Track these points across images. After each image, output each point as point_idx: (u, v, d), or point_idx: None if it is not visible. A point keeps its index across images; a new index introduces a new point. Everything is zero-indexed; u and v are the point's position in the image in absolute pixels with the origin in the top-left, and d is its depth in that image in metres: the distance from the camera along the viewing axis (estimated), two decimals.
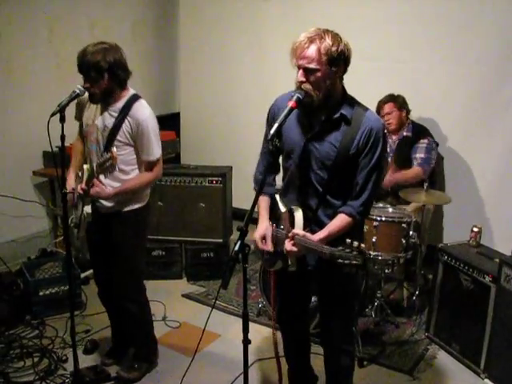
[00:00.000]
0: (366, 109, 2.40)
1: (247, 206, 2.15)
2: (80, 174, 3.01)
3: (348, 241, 2.10)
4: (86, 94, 2.83)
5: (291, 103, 2.25)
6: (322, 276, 2.58)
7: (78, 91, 2.72)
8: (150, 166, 2.95)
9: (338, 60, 2.26)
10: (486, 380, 3.24)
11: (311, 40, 2.25)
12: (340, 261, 2.11)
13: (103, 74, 2.77)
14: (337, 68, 2.28)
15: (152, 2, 5.72)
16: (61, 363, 3.35)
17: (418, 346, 3.63)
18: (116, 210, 2.98)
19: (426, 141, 4.14)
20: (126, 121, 2.86)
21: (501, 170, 4.29)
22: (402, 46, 4.61)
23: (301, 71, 2.30)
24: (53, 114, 2.60)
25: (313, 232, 2.40)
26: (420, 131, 4.21)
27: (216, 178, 4.56)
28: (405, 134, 4.22)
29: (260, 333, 3.74)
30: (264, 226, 2.58)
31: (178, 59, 6.04)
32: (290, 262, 2.43)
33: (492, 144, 4.32)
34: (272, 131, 2.18)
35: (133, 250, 3.10)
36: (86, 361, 3.36)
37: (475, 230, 3.55)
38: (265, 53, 5.38)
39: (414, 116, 4.35)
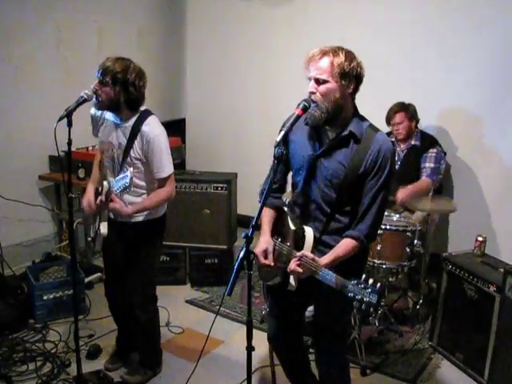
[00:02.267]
0: (377, 130, 2.38)
1: (252, 213, 2.15)
2: (100, 189, 3.05)
3: (364, 276, 2.06)
4: (100, 112, 2.91)
5: (298, 111, 2.26)
6: (319, 292, 2.47)
7: (85, 96, 2.73)
8: (162, 182, 2.98)
9: (350, 75, 2.27)
10: None
11: (324, 53, 2.28)
12: (351, 295, 2.06)
13: (116, 83, 2.82)
14: (348, 83, 2.28)
15: (159, 8, 5.75)
16: (64, 368, 3.35)
17: (421, 355, 3.62)
18: (133, 221, 3.01)
19: (435, 150, 4.15)
20: (137, 138, 2.90)
21: (507, 179, 4.29)
22: (410, 54, 4.63)
23: (312, 82, 2.31)
24: (60, 119, 2.61)
25: (321, 253, 2.38)
26: (428, 141, 4.22)
27: (221, 185, 4.56)
28: (413, 142, 4.23)
29: (263, 340, 3.69)
30: (266, 240, 2.52)
31: (185, 65, 6.07)
32: (291, 282, 2.37)
33: (499, 153, 4.32)
34: (278, 138, 2.18)
35: (147, 259, 3.13)
36: (89, 365, 3.35)
37: (480, 239, 3.54)
38: (272, 61, 5.41)
39: (421, 124, 4.36)
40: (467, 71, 4.39)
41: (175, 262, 4.60)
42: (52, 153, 4.63)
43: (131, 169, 2.75)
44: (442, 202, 3.95)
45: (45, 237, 4.84)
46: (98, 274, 4.60)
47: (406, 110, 4.15)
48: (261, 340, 3.65)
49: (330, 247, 2.39)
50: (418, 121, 4.25)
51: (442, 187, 4.40)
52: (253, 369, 2.37)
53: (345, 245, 2.35)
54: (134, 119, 2.93)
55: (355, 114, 2.40)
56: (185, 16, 5.98)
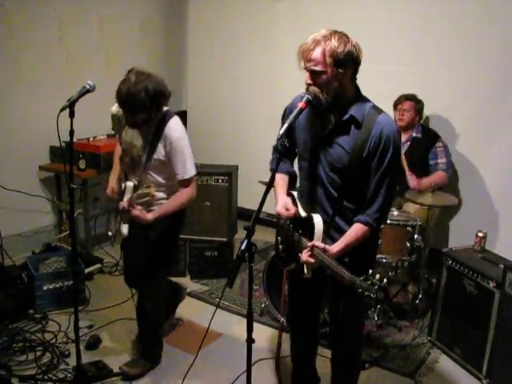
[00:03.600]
0: (380, 111, 2.33)
1: (252, 206, 2.15)
2: (124, 186, 3.11)
3: (370, 272, 2.06)
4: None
5: (301, 104, 2.25)
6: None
7: (88, 87, 2.72)
8: (183, 184, 3.01)
9: (345, 61, 2.22)
10: None
11: (316, 42, 2.22)
12: (360, 290, 2.07)
13: (148, 108, 2.84)
14: (344, 69, 2.23)
15: (161, 0, 5.72)
16: (63, 358, 3.36)
17: (420, 350, 3.63)
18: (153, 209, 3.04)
19: (441, 144, 4.22)
20: (160, 140, 2.95)
21: (508, 175, 4.29)
22: (411, 49, 4.61)
23: (308, 74, 2.28)
24: (62, 109, 2.60)
25: (331, 238, 2.38)
26: (430, 135, 4.28)
27: (222, 177, 4.55)
28: (414, 134, 4.28)
29: (262, 332, 3.74)
30: (283, 198, 2.52)
31: (186, 58, 6.05)
32: (305, 271, 2.36)
33: (500, 149, 4.31)
34: (281, 131, 2.17)
35: (164, 249, 3.18)
36: (89, 356, 3.36)
37: (480, 234, 3.54)
38: (273, 52, 5.39)
39: (422, 120, 4.38)
40: (469, 66, 4.37)
41: (175, 254, 4.59)
42: (53, 143, 4.63)
43: (153, 188, 2.83)
44: (443, 197, 3.95)
45: (45, 227, 4.84)
46: (98, 265, 4.61)
47: (416, 101, 4.27)
48: (260, 332, 3.69)
49: (341, 232, 2.38)
50: (422, 115, 4.34)
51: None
52: (253, 361, 2.37)
53: (355, 231, 2.34)
54: (156, 121, 2.98)
55: (357, 96, 2.36)
56: (187, 8, 5.95)
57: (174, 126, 2.97)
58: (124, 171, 3.25)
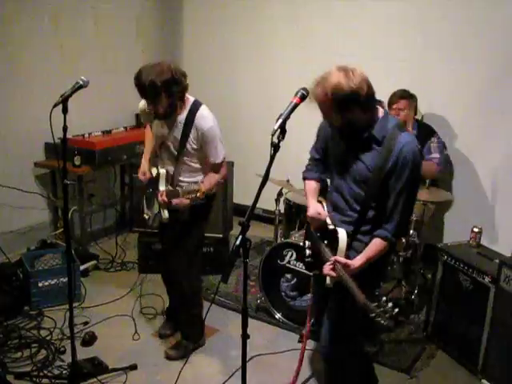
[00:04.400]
0: (403, 130, 2.39)
1: (248, 202, 2.14)
2: (154, 174, 3.27)
3: (384, 299, 2.10)
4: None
5: (295, 99, 2.24)
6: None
7: (81, 82, 2.71)
8: (215, 167, 3.19)
9: (348, 104, 2.25)
10: (483, 380, 3.25)
11: (317, 83, 2.28)
12: (371, 315, 2.12)
13: (161, 93, 2.90)
14: (350, 111, 2.28)
15: None
16: (58, 354, 3.35)
17: (415, 345, 3.63)
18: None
19: (435, 139, 4.17)
20: (192, 131, 3.07)
21: (503, 171, 4.29)
22: (407, 45, 4.61)
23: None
24: (55, 105, 2.60)
25: (353, 251, 2.46)
26: (426, 131, 4.23)
27: None
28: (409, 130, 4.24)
29: (259, 328, 3.74)
30: (313, 203, 2.62)
31: (182, 54, 6.03)
32: (327, 281, 2.43)
33: (495, 145, 4.32)
34: (275, 126, 2.16)
35: (198, 231, 3.37)
36: (84, 352, 3.35)
37: (475, 230, 3.55)
38: (268, 50, 5.37)
39: (420, 115, 4.37)
40: (465, 62, 4.38)
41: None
42: (48, 140, 4.61)
43: (203, 185, 2.98)
44: (439, 193, 3.96)
45: (40, 224, 4.82)
46: (94, 262, 4.60)
47: (411, 98, 4.17)
48: (256, 328, 3.69)
49: (364, 245, 2.45)
50: (416, 111, 4.27)
51: (438, 179, 4.40)
52: (248, 357, 2.37)
53: (375, 245, 2.40)
54: (185, 112, 3.09)
55: (382, 114, 2.41)
56: (182, 2, 5.93)
57: (204, 114, 3.09)
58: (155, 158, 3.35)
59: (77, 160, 4.48)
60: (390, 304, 2.09)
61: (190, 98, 3.12)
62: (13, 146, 4.50)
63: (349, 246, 2.46)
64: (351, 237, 2.47)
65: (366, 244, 2.44)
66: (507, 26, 4.16)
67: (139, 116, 4.83)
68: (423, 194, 3.77)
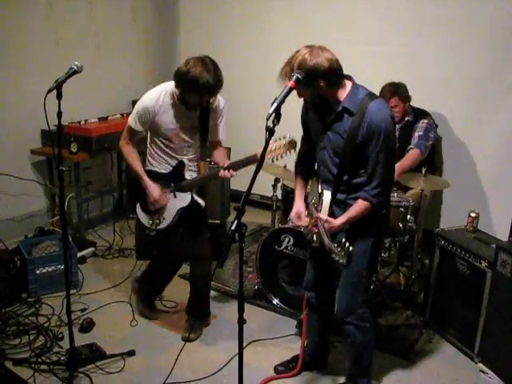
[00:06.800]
0: (373, 98, 2.48)
1: (245, 188, 2.14)
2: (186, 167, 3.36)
3: (343, 240, 2.28)
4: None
5: (290, 83, 2.27)
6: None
7: (75, 68, 2.68)
8: (220, 144, 3.45)
9: (314, 77, 2.38)
10: (480, 364, 3.26)
11: (288, 61, 2.43)
12: (332, 255, 2.34)
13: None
14: (316, 84, 2.41)
15: None
16: (56, 341, 3.36)
17: (413, 330, 3.64)
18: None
19: (425, 121, 4.14)
20: (211, 113, 3.26)
21: (499, 155, 4.29)
22: (402, 31, 4.60)
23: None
24: (49, 91, 2.57)
25: (339, 209, 2.63)
26: (420, 113, 4.20)
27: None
28: (406, 118, 4.21)
29: (256, 313, 3.75)
30: (298, 205, 2.83)
31: (178, 41, 5.98)
32: (314, 239, 2.65)
33: (491, 129, 4.31)
34: (270, 110, 2.16)
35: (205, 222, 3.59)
36: (82, 339, 3.36)
37: (472, 215, 3.54)
38: (268, 35, 5.35)
39: (413, 101, 4.32)
40: (460, 46, 4.36)
41: None
42: (44, 127, 4.54)
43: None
44: (435, 180, 3.94)
45: (37, 211, 4.81)
46: (91, 249, 4.60)
47: (398, 92, 4.08)
48: (253, 313, 3.70)
49: (346, 205, 2.62)
50: (410, 99, 4.19)
51: (435, 165, 4.39)
52: (245, 343, 2.38)
53: (356, 205, 2.55)
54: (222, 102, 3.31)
55: (351, 86, 2.51)
56: None
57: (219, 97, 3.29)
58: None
59: (73, 147, 4.47)
60: (347, 244, 2.26)
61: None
62: (9, 134, 4.49)
63: (334, 207, 2.63)
64: (334, 200, 2.63)
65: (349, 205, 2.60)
66: (501, 12, 4.14)
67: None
68: (420, 182, 3.75)
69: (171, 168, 3.29)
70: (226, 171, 3.14)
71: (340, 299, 2.77)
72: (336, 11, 4.88)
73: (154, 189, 3.26)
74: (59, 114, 2.62)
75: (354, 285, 2.74)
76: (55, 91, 2.61)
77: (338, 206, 2.65)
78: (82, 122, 4.72)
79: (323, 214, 2.55)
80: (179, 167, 3.29)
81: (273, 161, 3.12)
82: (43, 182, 4.82)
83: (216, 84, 3.02)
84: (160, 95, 3.14)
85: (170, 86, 3.14)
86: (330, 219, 2.52)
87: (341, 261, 2.29)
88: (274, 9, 5.26)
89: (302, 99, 2.61)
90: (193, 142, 3.28)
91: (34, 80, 4.43)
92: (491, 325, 3.19)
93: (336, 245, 2.32)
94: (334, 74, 2.42)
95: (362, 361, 2.92)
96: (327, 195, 2.63)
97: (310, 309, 3.09)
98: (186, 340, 3.26)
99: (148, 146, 3.35)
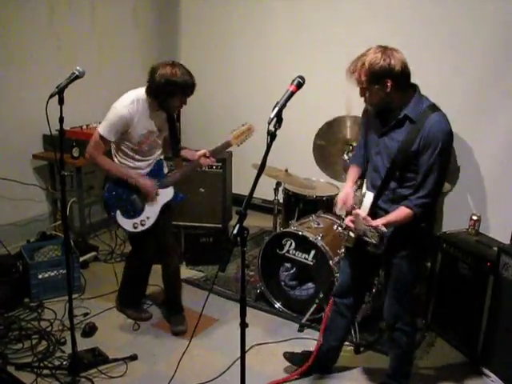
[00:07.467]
0: (435, 110, 2.51)
1: (247, 192, 2.14)
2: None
3: (379, 226, 2.43)
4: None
5: (292, 87, 2.24)
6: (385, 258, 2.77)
7: (77, 73, 2.70)
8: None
9: (381, 77, 2.43)
10: (483, 368, 3.25)
11: (355, 61, 2.48)
12: (365, 238, 2.53)
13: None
14: (382, 85, 2.45)
15: None
16: (59, 345, 3.36)
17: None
18: None
19: None
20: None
21: (501, 158, 4.27)
22: (402, 31, 4.58)
23: (358, 89, 2.55)
24: (51, 96, 2.59)
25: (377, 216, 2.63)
26: None
27: (216, 164, 4.51)
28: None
29: (258, 317, 3.75)
30: (346, 191, 2.84)
31: (179, 45, 6.00)
32: (351, 235, 2.73)
33: (492, 131, 4.29)
34: (272, 115, 2.16)
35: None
36: (85, 343, 3.36)
37: (474, 218, 3.54)
38: (267, 39, 5.35)
39: None
40: (462, 48, 4.35)
41: None
42: (46, 132, 4.57)
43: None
44: None
45: (39, 216, 4.81)
46: (94, 253, 4.61)
47: None
48: (255, 317, 3.70)
49: (386, 212, 2.63)
50: None
51: None
52: (247, 346, 2.37)
53: (398, 211, 2.57)
54: None
55: (409, 97, 2.54)
56: None
57: None
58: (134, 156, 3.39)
59: (75, 152, 4.47)
60: (382, 228, 2.40)
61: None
62: (11, 139, 4.49)
63: (375, 210, 2.66)
64: (375, 205, 2.66)
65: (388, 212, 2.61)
66: (502, 12, 4.13)
67: None
68: None
69: (147, 170, 3.40)
70: (207, 158, 3.42)
71: (389, 307, 2.84)
72: (336, 11, 4.89)
73: (145, 178, 3.35)
74: (61, 120, 2.63)
75: (400, 296, 2.79)
76: (57, 96, 2.62)
77: (378, 213, 2.67)
78: (84, 127, 4.72)
79: (363, 212, 2.59)
80: (159, 165, 3.43)
81: (238, 145, 3.48)
82: (45, 187, 4.82)
83: (192, 80, 3.14)
84: (133, 103, 3.17)
85: (140, 92, 3.20)
86: (369, 218, 2.53)
87: (373, 241, 2.41)
88: (275, 9, 5.26)
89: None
90: (160, 141, 3.41)
91: (35, 85, 4.44)
92: (494, 327, 3.18)
93: (371, 228, 2.44)
94: (403, 77, 2.47)
95: (406, 362, 2.98)
96: (369, 196, 2.68)
97: (338, 314, 3.07)
98: (177, 333, 3.46)
99: (113, 157, 3.39)
